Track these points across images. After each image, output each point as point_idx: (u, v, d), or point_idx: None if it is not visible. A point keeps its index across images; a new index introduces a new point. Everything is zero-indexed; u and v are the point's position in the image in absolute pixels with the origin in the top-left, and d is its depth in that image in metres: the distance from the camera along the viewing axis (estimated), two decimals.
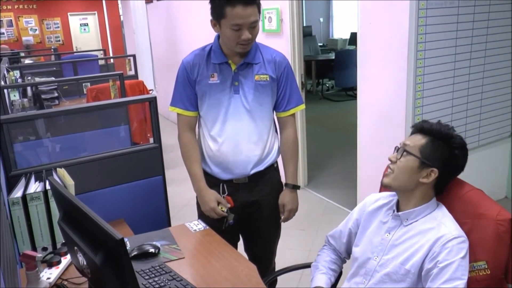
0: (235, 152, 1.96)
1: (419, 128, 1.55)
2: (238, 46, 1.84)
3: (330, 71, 8.75)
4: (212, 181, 2.03)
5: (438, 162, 1.49)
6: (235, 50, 1.88)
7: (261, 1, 1.84)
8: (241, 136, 1.95)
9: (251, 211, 2.06)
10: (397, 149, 1.56)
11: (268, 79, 1.94)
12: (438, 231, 1.44)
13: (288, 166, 2.07)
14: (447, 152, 1.49)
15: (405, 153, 1.51)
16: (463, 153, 1.51)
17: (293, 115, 2.07)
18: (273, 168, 2.09)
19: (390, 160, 1.56)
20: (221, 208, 1.96)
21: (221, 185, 2.02)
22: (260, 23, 4.35)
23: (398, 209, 1.57)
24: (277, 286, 2.30)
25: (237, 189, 2.02)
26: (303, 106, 2.07)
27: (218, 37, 1.94)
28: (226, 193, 2.01)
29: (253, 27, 1.81)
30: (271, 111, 2.03)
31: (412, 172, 1.50)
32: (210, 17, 1.86)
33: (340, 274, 1.79)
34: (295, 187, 2.08)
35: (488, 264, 1.42)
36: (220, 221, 1.99)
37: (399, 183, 1.53)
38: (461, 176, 1.59)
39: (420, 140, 1.51)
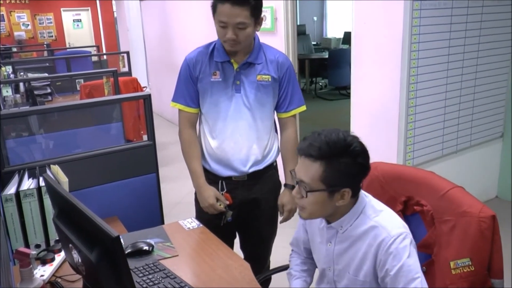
0: (235, 150, 1.98)
1: (307, 154, 1.35)
2: (225, 44, 1.86)
3: (324, 70, 8.78)
4: (211, 178, 2.04)
5: (346, 180, 1.35)
6: (225, 47, 1.89)
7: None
8: (241, 135, 1.97)
9: (249, 209, 2.07)
10: (296, 181, 1.40)
11: (270, 79, 1.95)
12: (376, 234, 1.37)
13: (288, 167, 2.06)
14: (350, 166, 1.34)
15: (308, 192, 1.35)
16: (365, 155, 1.38)
17: (294, 116, 2.07)
18: (272, 167, 2.11)
19: (294, 196, 1.43)
20: (220, 204, 1.98)
21: (220, 182, 2.03)
22: None
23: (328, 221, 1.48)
24: (270, 284, 2.31)
25: (236, 186, 2.03)
26: (304, 108, 2.07)
27: None
28: (225, 190, 2.03)
29: (240, 28, 1.79)
30: (272, 111, 2.04)
31: (325, 203, 1.37)
32: (207, 15, 1.89)
33: None
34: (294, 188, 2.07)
35: (472, 261, 1.43)
36: (219, 218, 2.01)
37: (318, 215, 1.44)
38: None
39: (315, 169, 1.33)
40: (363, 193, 1.46)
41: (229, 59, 1.92)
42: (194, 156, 2.02)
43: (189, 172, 2.03)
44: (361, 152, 1.36)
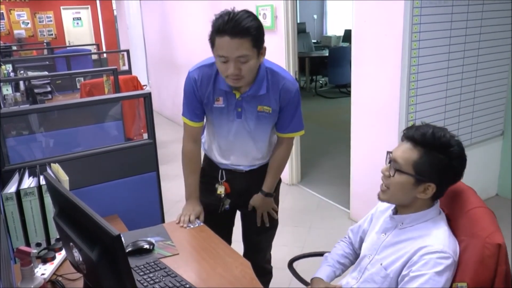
0: (235, 161, 2.04)
1: (410, 138, 1.43)
2: (228, 79, 1.77)
3: (324, 68, 8.77)
4: (212, 165, 2.09)
5: (435, 175, 1.40)
6: (227, 82, 1.81)
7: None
8: (241, 152, 2.02)
9: (248, 198, 2.11)
10: (389, 160, 1.47)
11: (270, 111, 1.91)
12: (424, 240, 1.39)
13: (269, 177, 2.08)
14: (444, 164, 1.39)
15: (397, 172, 1.43)
16: (462, 162, 1.41)
17: (290, 137, 2.06)
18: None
19: (382, 172, 1.48)
20: (219, 192, 2.04)
21: (220, 171, 2.08)
22: None
23: (396, 211, 1.54)
24: (271, 282, 2.32)
25: (235, 176, 2.08)
26: (302, 133, 2.04)
27: None
28: (224, 179, 2.07)
29: (242, 62, 1.70)
30: (272, 133, 2.04)
31: (407, 189, 1.43)
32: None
33: None
34: (268, 195, 2.10)
35: (469, 286, 1.33)
36: (217, 205, 2.08)
37: (396, 200, 1.49)
38: None
39: (412, 153, 1.41)
40: (439, 208, 1.50)
41: (231, 89, 1.87)
42: (191, 170, 2.05)
43: (184, 184, 2.06)
44: (458, 157, 1.40)
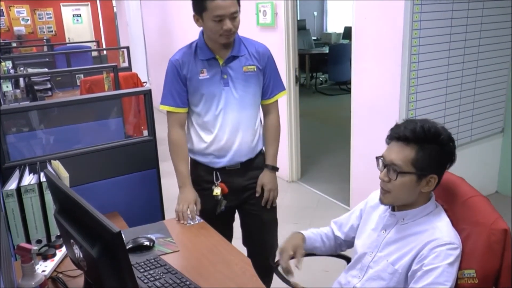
0: (229, 142, 2.04)
1: (401, 137, 1.44)
2: (222, 37, 1.91)
3: (324, 65, 8.76)
4: (205, 169, 2.09)
5: (434, 166, 1.43)
6: (219, 42, 1.94)
7: None
8: (233, 127, 2.03)
9: (247, 195, 2.13)
10: (384, 165, 1.47)
11: (255, 69, 2.03)
12: (431, 234, 1.41)
13: (269, 149, 2.15)
14: (439, 152, 1.42)
15: (399, 174, 1.43)
16: (452, 145, 1.45)
17: (277, 101, 2.16)
18: (261, 152, 2.18)
19: (382, 179, 1.48)
20: (216, 193, 2.04)
21: (214, 172, 2.07)
22: (255, 17, 4.33)
23: (395, 208, 1.55)
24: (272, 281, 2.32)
25: (230, 175, 2.08)
26: (285, 92, 2.19)
27: (202, 33, 2.01)
28: (220, 180, 2.07)
29: (233, 17, 1.89)
30: (259, 99, 2.11)
31: (411, 188, 1.44)
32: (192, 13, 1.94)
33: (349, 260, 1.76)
34: (274, 169, 2.15)
35: (477, 274, 1.36)
36: (213, 208, 2.08)
37: (401, 201, 1.49)
38: (452, 171, 1.59)
39: (407, 152, 1.42)
40: (436, 201, 1.52)
41: (214, 55, 1.99)
42: (182, 157, 2.08)
43: (176, 172, 2.07)
44: (449, 141, 1.44)
